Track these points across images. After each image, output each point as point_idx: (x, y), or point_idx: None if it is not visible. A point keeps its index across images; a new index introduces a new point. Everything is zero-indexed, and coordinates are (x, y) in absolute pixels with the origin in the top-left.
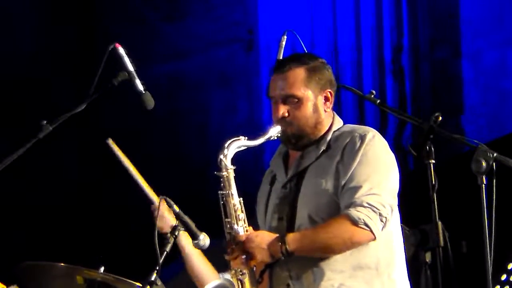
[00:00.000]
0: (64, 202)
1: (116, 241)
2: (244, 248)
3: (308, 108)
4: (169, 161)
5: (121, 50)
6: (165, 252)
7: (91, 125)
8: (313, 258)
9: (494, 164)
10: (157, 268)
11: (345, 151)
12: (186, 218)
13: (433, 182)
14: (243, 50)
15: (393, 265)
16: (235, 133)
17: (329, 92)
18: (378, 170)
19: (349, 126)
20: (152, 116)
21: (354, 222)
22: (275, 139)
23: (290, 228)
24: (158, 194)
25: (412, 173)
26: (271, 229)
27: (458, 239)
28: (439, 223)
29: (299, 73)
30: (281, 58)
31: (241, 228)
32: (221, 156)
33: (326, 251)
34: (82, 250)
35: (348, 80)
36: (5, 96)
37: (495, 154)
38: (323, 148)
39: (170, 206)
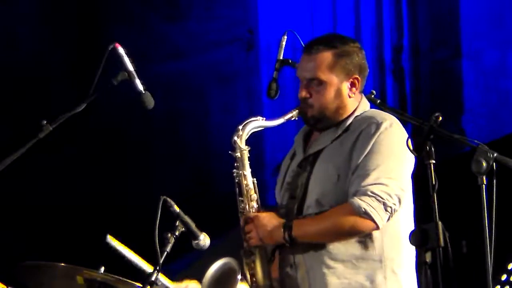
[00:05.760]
0: (64, 202)
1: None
2: (250, 227)
3: (330, 92)
4: (169, 161)
5: (121, 50)
6: (165, 252)
7: (91, 125)
8: (316, 245)
9: (494, 164)
10: (157, 268)
11: (360, 137)
12: (186, 218)
13: (433, 182)
14: (243, 50)
15: (399, 259)
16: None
17: (356, 78)
18: (389, 160)
19: (371, 111)
20: (152, 116)
21: (356, 211)
22: (295, 120)
23: (300, 208)
24: (158, 194)
25: (412, 173)
26: (282, 206)
27: (458, 239)
28: (439, 223)
29: (326, 57)
30: (281, 57)
31: (253, 208)
32: (235, 137)
33: (328, 239)
34: (82, 250)
35: None
36: (5, 96)
37: (495, 154)
38: (340, 131)
39: (170, 206)
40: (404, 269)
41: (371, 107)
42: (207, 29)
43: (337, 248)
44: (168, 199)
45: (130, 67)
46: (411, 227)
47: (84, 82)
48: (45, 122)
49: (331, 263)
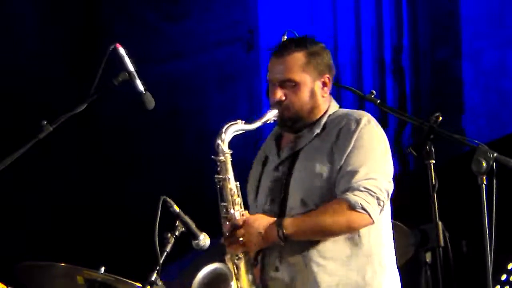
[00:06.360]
0: (64, 202)
1: (116, 241)
2: (241, 232)
3: (304, 93)
4: (169, 161)
5: (122, 50)
6: (165, 252)
7: (91, 125)
8: (304, 244)
9: (494, 164)
10: (157, 268)
11: (340, 134)
12: (186, 218)
13: (433, 182)
14: (243, 50)
15: (383, 252)
16: None
17: (327, 77)
18: (373, 155)
19: (344, 110)
20: (152, 116)
21: (352, 207)
22: (271, 123)
23: (281, 211)
24: (158, 194)
25: (412, 173)
26: (264, 211)
27: (458, 239)
28: (439, 223)
29: (298, 57)
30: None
31: (238, 212)
32: (219, 141)
33: (322, 235)
34: (82, 250)
35: (348, 80)
36: (5, 95)
37: (495, 154)
38: (317, 131)
39: (170, 206)
40: (389, 261)
41: (371, 107)
42: (207, 29)
43: (326, 246)
44: (168, 199)
45: (131, 67)
46: (389, 218)
47: (85, 82)
48: (45, 122)
49: (321, 260)
